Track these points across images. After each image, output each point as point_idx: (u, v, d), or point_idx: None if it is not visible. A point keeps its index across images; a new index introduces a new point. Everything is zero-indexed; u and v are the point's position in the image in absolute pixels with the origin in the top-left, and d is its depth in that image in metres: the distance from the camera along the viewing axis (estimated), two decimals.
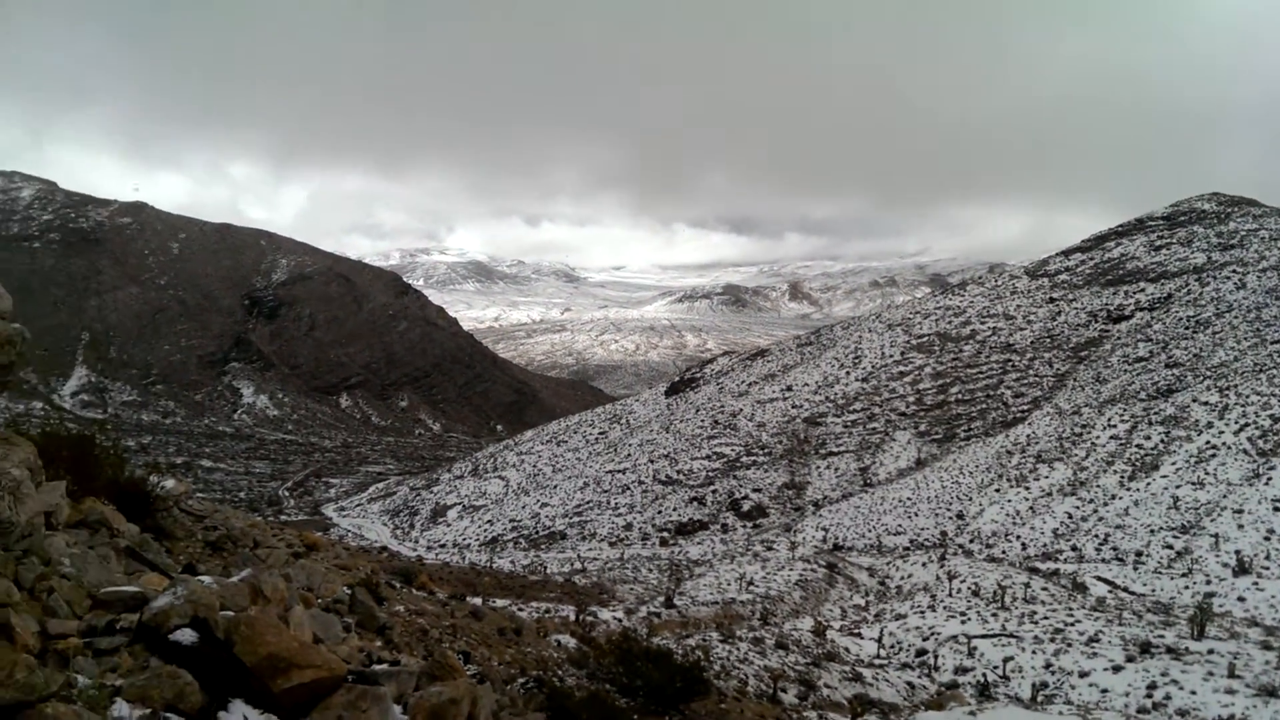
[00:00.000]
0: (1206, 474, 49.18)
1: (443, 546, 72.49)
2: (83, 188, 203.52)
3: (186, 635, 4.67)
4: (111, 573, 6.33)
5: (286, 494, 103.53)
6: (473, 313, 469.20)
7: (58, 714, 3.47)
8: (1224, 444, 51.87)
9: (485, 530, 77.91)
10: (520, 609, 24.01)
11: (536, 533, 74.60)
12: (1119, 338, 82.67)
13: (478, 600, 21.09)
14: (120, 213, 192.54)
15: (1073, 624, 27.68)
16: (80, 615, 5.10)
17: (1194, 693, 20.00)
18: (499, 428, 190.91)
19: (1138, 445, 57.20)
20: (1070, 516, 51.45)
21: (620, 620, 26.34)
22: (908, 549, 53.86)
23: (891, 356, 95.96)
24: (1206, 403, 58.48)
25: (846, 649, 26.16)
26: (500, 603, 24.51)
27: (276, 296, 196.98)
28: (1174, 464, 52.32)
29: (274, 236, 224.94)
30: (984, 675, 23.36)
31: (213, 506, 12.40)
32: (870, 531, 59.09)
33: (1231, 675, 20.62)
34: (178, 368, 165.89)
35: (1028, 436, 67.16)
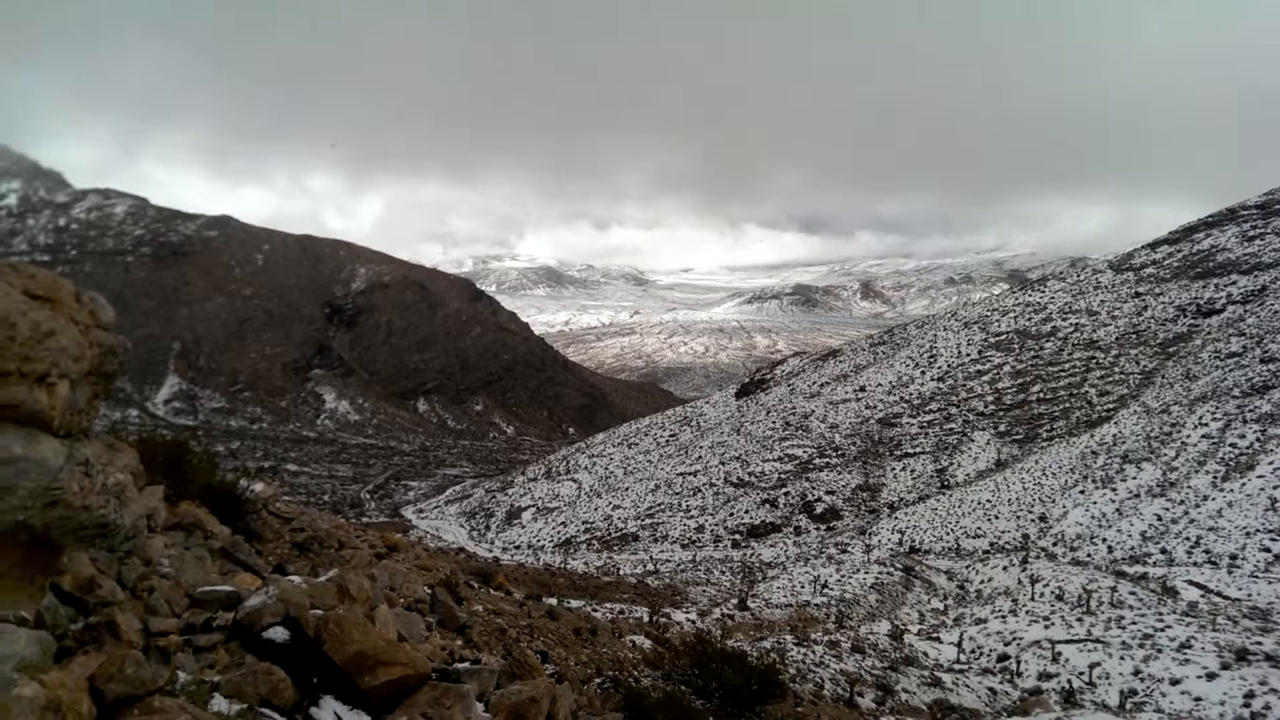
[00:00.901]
0: None
1: (518, 548, 73.43)
2: (172, 203, 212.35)
3: (279, 633, 4.84)
4: (207, 573, 6.60)
5: (368, 496, 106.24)
6: (543, 317, 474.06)
7: (164, 707, 3.63)
8: None
9: (559, 532, 78.64)
10: (595, 610, 24.19)
11: (609, 534, 74.97)
12: (1210, 332, 79.12)
13: (553, 601, 21.32)
14: (207, 226, 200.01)
15: (1163, 629, 26.67)
16: (179, 613, 5.33)
17: None
18: (570, 430, 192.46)
19: (1231, 444, 54.75)
20: (1159, 518, 49.55)
21: (694, 622, 26.33)
22: (987, 552, 52.59)
23: (968, 355, 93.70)
24: None
25: (925, 653, 25.67)
26: (575, 603, 24.72)
27: (355, 304, 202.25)
28: (1271, 463, 49.95)
29: (352, 246, 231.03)
30: (1069, 682, 22.67)
31: (299, 509, 12.80)
32: (948, 534, 57.83)
33: None
34: (263, 375, 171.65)
35: (1114, 436, 64.86)
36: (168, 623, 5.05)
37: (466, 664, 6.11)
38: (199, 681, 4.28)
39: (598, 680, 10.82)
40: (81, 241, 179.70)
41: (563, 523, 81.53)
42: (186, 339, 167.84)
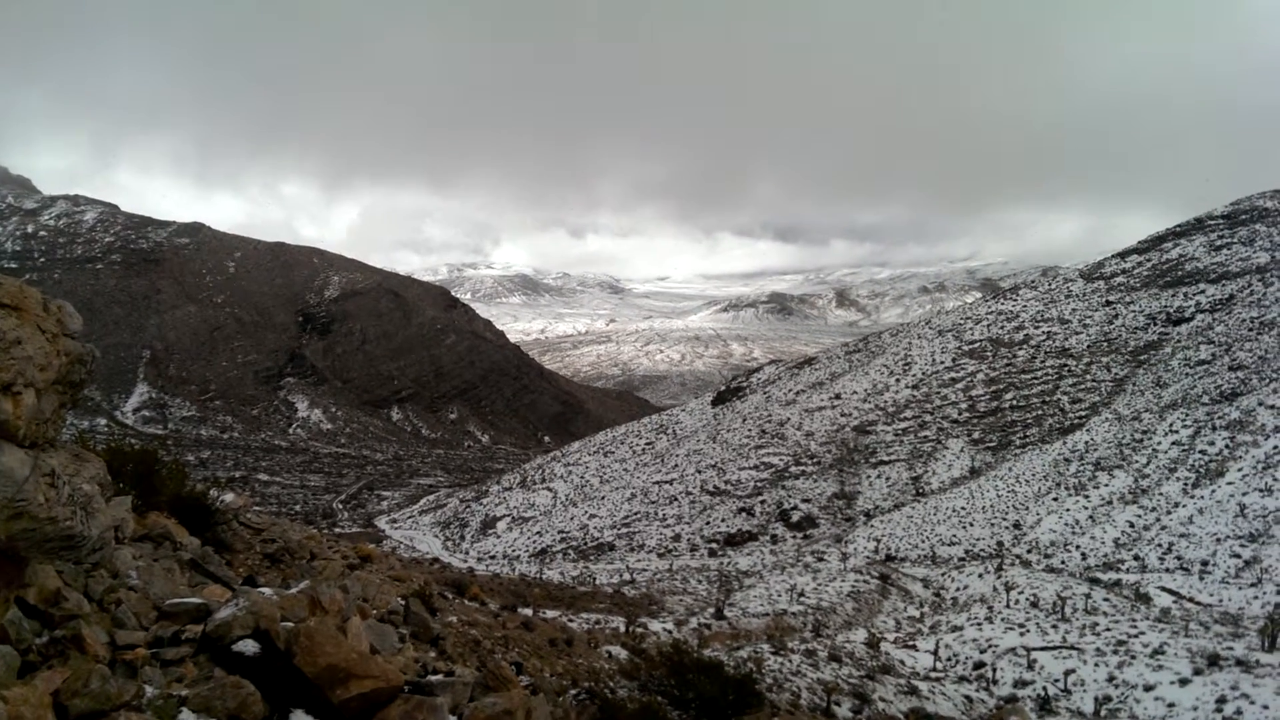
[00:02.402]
0: (1275, 480, 47.62)
1: (493, 558, 72.95)
2: (144, 210, 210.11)
3: (249, 646, 4.76)
4: (175, 585, 6.50)
5: (340, 506, 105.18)
6: (519, 325, 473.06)
7: None
8: None
9: (534, 542, 78.25)
10: (570, 620, 24.08)
11: (585, 544, 74.71)
12: (1179, 340, 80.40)
13: (528, 611, 21.20)
14: (179, 233, 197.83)
15: (1136, 636, 26.94)
16: (146, 626, 5.24)
17: (1266, 707, 19.30)
18: (546, 439, 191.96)
19: (1201, 451, 55.57)
20: (1132, 525, 50.13)
21: (670, 631, 26.27)
22: (963, 560, 52.94)
23: (942, 363, 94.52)
24: (1273, 406, 56.64)
25: (901, 662, 25.76)
26: (550, 614, 24.59)
27: (329, 312, 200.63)
28: (1240, 470, 50.72)
29: (326, 254, 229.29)
30: (1044, 689, 22.82)
31: (270, 519, 12.64)
32: (924, 542, 58.17)
33: None
34: (235, 383, 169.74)
35: (1086, 443, 65.63)
36: (135, 636, 4.96)
37: (440, 676, 6.05)
38: (166, 696, 4.20)
39: (573, 691, 10.76)
40: (50, 248, 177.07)
41: (538, 532, 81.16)
42: (157, 347, 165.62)
